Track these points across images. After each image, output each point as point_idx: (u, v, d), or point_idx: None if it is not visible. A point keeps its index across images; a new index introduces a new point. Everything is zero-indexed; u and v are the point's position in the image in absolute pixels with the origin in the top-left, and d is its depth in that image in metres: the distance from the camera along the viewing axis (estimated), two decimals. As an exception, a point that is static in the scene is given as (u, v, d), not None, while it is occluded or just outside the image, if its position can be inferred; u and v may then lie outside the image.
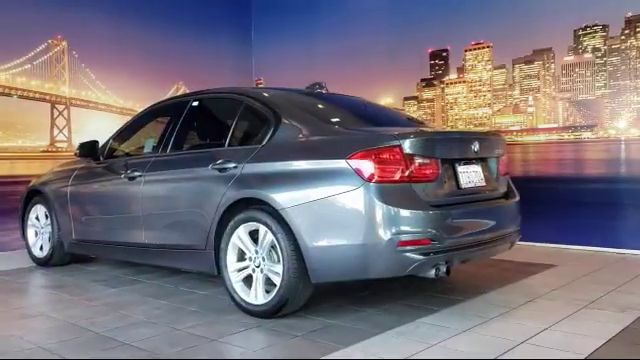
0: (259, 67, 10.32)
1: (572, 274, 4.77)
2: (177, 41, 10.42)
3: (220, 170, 3.96)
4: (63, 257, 5.58)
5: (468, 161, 3.88)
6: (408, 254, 3.34)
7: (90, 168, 5.25)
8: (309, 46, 10.12)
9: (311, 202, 3.48)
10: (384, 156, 3.38)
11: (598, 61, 7.48)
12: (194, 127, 4.83)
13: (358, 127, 4.02)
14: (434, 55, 8.74)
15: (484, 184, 3.98)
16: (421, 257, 3.36)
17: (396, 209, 3.32)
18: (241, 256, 3.85)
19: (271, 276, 3.66)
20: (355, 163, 3.38)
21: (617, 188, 6.29)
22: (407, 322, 3.54)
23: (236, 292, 3.83)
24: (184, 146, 4.68)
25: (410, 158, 3.42)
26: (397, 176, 3.38)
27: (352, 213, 3.37)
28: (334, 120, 4.11)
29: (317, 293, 3.80)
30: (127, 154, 5.17)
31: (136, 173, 4.64)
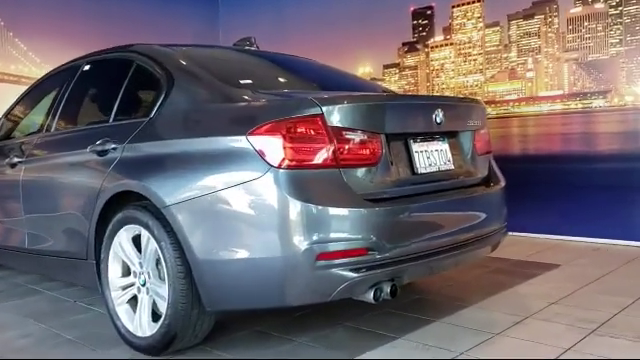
0: (227, 35, 10.27)
1: (578, 278, 4.57)
2: (130, 2, 10.17)
3: (99, 153, 3.67)
4: None
5: (428, 137, 3.45)
6: (333, 271, 2.81)
7: None
8: (280, 11, 10.29)
9: (201, 198, 2.98)
10: (299, 130, 2.86)
11: (612, 12, 7.15)
12: (83, 98, 4.62)
13: (274, 91, 3.52)
14: (417, 14, 8.49)
15: (452, 167, 3.57)
16: (352, 274, 2.83)
17: (315, 207, 2.78)
18: (127, 270, 3.53)
19: (157, 300, 3.29)
20: (258, 141, 2.86)
21: (635, 168, 6.03)
22: (343, 362, 3.18)
23: (119, 318, 3.50)
24: (69, 123, 4.51)
25: (338, 133, 2.90)
26: (318, 159, 2.86)
27: (254, 213, 2.87)
28: (245, 82, 3.62)
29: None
30: (26, 134, 5.01)
31: (16, 159, 4.52)
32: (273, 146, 2.82)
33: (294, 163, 2.82)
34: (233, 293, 3.02)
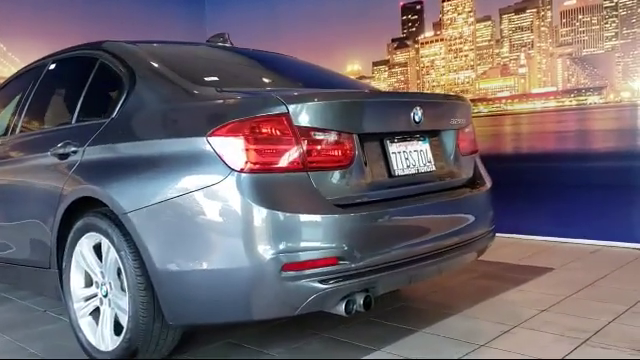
0: (214, 31, 10.42)
1: (572, 283, 4.49)
2: (113, 1, 10.17)
3: (60, 156, 3.60)
4: None
5: (406, 136, 3.34)
6: (301, 282, 2.68)
7: None
8: (267, 9, 10.37)
9: (160, 204, 2.85)
10: (262, 131, 2.73)
11: (607, 4, 7.08)
12: (48, 98, 4.57)
13: (241, 89, 3.39)
14: (406, 9, 8.41)
15: (433, 169, 3.46)
16: (321, 286, 2.69)
17: (280, 213, 2.66)
18: (89, 281, 3.45)
19: (118, 312, 3.18)
20: (218, 143, 2.73)
21: (633, 166, 6.00)
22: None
23: (82, 330, 3.41)
24: (34, 124, 4.46)
25: (306, 133, 2.78)
26: (284, 162, 2.74)
27: (214, 221, 2.75)
28: (211, 80, 3.51)
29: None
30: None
31: None
32: (234, 148, 2.69)
33: (257, 166, 2.69)
34: (195, 306, 2.89)
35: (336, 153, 2.87)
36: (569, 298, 4.13)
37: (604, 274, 4.70)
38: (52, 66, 4.35)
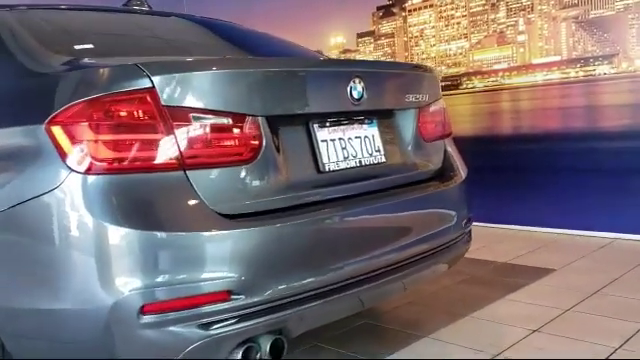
0: (192, 4, 10.37)
1: (574, 289, 4.32)
2: None
3: None
4: None
5: (342, 119, 2.96)
6: (170, 329, 2.23)
7: None
8: None
9: None
10: (117, 114, 2.28)
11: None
12: None
13: (114, 58, 2.85)
14: None
15: (383, 160, 3.11)
16: (202, 332, 2.26)
17: (138, 232, 2.19)
18: None
19: None
20: (58, 132, 2.28)
21: None
22: None
23: None
24: None
25: (182, 116, 2.34)
26: (149, 157, 2.29)
27: (45, 244, 2.30)
28: (83, 48, 3.10)
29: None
30: None
31: None
32: (77, 139, 2.24)
33: (108, 165, 2.22)
34: (36, 352, 2.50)
35: (231, 144, 2.46)
36: (569, 312, 3.91)
37: (614, 277, 4.49)
38: None
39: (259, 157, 2.50)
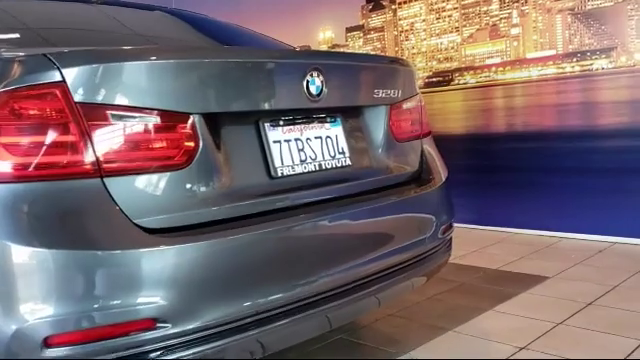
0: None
1: (568, 299, 4.27)
2: None
3: None
4: None
5: (299, 117, 2.80)
6: None
7: None
8: None
9: None
10: (19, 112, 2.08)
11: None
12: None
13: (30, 48, 2.58)
14: None
15: (348, 163, 2.96)
16: None
17: (42, 251, 1.98)
18: None
19: None
20: None
21: None
22: None
23: None
24: None
25: (99, 114, 2.15)
26: (57, 162, 2.09)
27: None
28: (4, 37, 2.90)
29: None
30: None
31: None
32: None
33: (10, 172, 2.03)
34: None
35: (158, 146, 2.26)
36: (561, 326, 3.83)
37: (612, 285, 4.44)
38: None
39: (194, 161, 2.32)
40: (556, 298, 4.33)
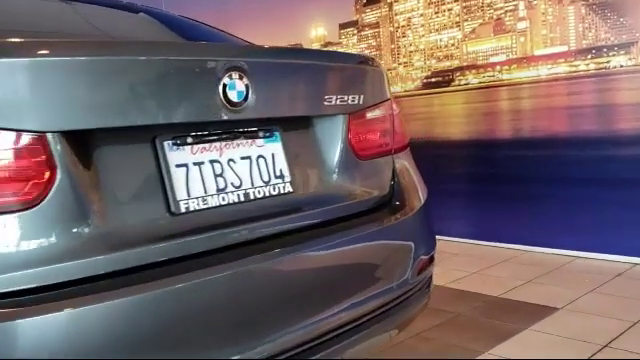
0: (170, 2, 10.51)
1: (580, 340, 4.01)
2: None
3: None
4: None
5: (215, 131, 2.36)
6: None
7: None
8: None
9: None
10: None
11: None
12: None
13: None
14: None
15: (289, 189, 2.55)
16: None
17: None
18: None
19: None
20: None
21: None
22: None
23: None
24: None
25: None
26: None
27: None
28: None
29: None
30: None
31: None
32: None
33: None
34: None
35: None
36: None
37: (632, 321, 4.19)
38: None
39: (49, 197, 1.88)
40: (564, 338, 4.09)
